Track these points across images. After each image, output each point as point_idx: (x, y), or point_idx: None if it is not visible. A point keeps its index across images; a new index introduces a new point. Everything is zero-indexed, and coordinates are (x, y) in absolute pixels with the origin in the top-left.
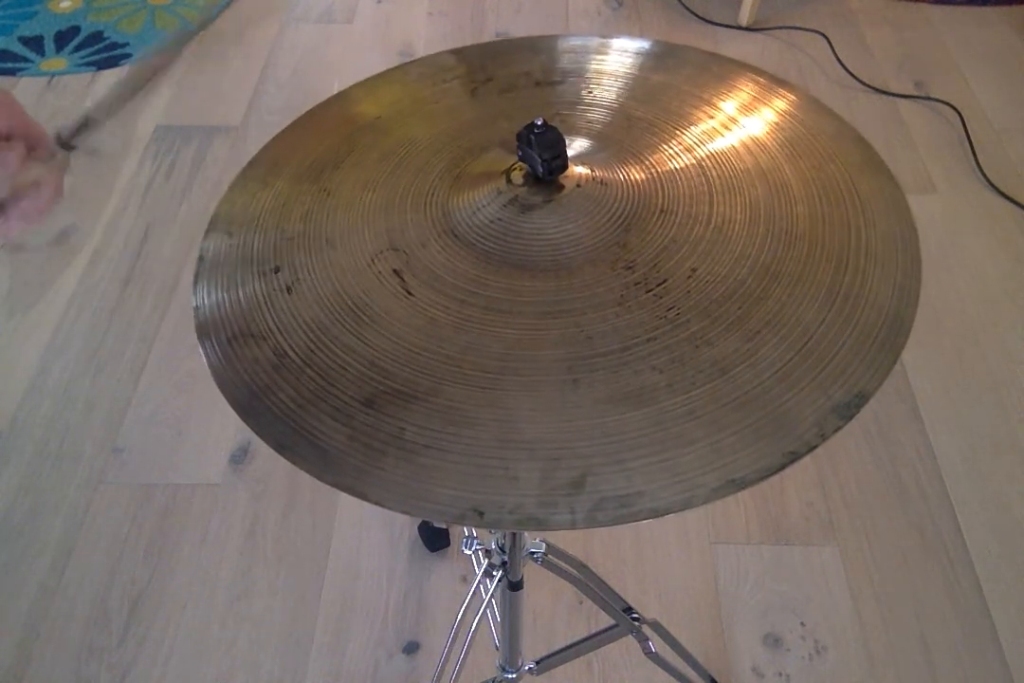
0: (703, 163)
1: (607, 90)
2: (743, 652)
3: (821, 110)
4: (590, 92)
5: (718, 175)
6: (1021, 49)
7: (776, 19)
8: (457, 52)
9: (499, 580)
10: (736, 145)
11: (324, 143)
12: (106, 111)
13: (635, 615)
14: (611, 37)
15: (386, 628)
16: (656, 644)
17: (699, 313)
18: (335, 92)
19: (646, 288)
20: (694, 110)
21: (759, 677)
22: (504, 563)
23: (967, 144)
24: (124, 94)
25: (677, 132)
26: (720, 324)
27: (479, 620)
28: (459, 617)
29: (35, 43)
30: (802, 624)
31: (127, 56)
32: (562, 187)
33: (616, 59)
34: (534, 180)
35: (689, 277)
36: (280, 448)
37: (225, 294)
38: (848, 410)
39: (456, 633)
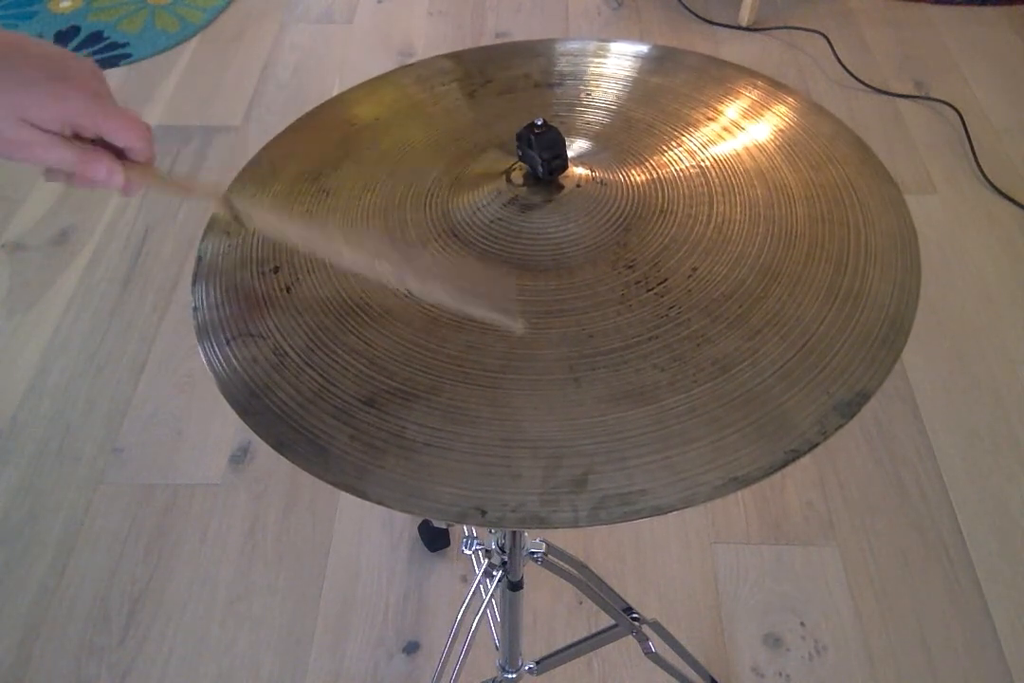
0: (702, 164)
1: (606, 92)
2: (743, 652)
3: (819, 112)
4: (589, 94)
5: (717, 176)
6: (1021, 49)
7: (776, 19)
8: (455, 55)
9: (499, 580)
10: (735, 146)
11: (323, 144)
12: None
13: (635, 615)
14: (609, 40)
15: (386, 628)
16: (656, 644)
17: (700, 312)
18: (335, 92)
19: (647, 287)
20: (693, 112)
21: (759, 677)
22: (504, 563)
23: (967, 144)
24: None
25: (676, 134)
26: (721, 323)
27: (479, 620)
28: (459, 617)
29: None
30: (802, 624)
31: (127, 56)
32: (562, 187)
33: (614, 62)
34: (534, 180)
35: (690, 276)
36: (280, 447)
37: (224, 294)
38: (849, 408)
39: (456, 633)
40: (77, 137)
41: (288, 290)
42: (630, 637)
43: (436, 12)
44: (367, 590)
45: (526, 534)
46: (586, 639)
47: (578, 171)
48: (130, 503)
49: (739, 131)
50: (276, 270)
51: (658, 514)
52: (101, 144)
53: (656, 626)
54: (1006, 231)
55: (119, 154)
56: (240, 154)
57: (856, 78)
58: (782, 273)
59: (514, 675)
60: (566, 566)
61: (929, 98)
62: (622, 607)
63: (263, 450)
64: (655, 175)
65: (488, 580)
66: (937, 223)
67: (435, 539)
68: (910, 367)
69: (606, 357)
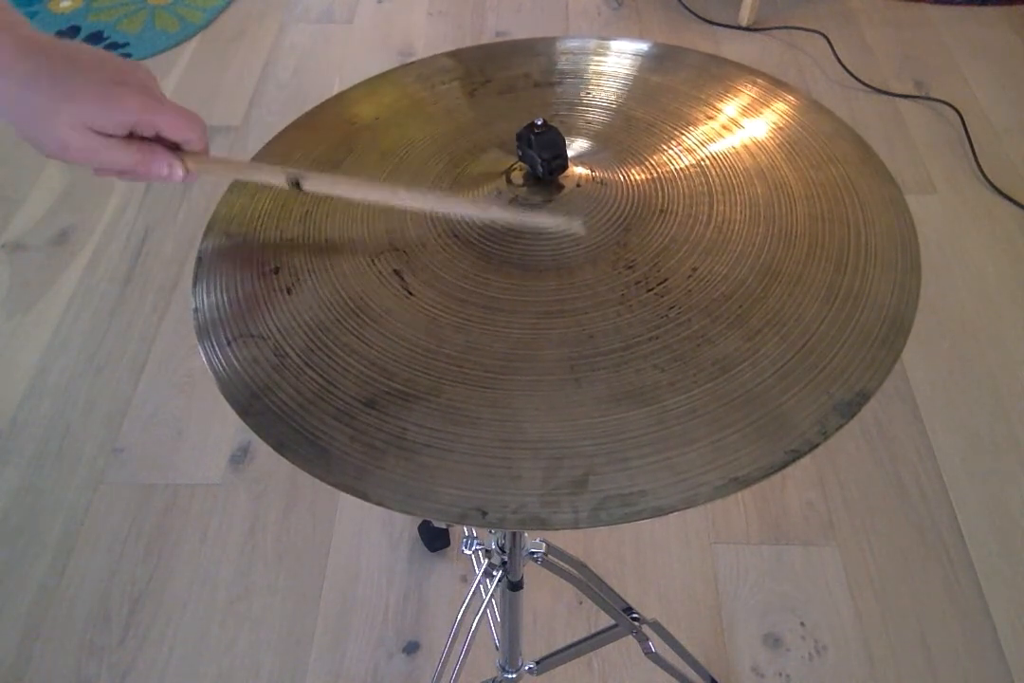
0: (702, 163)
1: (606, 91)
2: (743, 652)
3: (819, 111)
4: (589, 93)
5: (718, 175)
6: (1021, 49)
7: (776, 19)
8: (455, 54)
9: (499, 580)
10: (735, 145)
11: (323, 144)
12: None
13: (635, 615)
14: (609, 39)
15: (386, 628)
16: (656, 644)
17: (700, 312)
18: (335, 92)
19: (647, 287)
20: (693, 111)
21: (759, 677)
22: (504, 563)
23: (967, 144)
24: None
25: (676, 133)
26: (721, 323)
27: (479, 620)
28: (459, 617)
29: None
30: (802, 624)
31: (127, 56)
32: (562, 187)
33: (614, 60)
34: (534, 180)
35: (690, 276)
36: (280, 448)
37: (224, 295)
38: (849, 409)
39: (456, 633)
40: (132, 135)
41: (288, 291)
42: (630, 637)
43: (436, 12)
44: (367, 590)
45: (526, 534)
46: (586, 639)
47: (578, 171)
48: (130, 503)
49: (739, 130)
50: (276, 271)
51: (659, 515)
52: (158, 140)
53: (656, 626)
54: (1006, 231)
55: (176, 147)
56: (240, 154)
57: (856, 78)
58: (782, 273)
59: (514, 675)
60: (566, 566)
61: (929, 98)
62: (622, 607)
63: (263, 450)
64: (655, 175)
65: (488, 580)
66: (937, 223)
67: (435, 539)
68: (910, 367)
69: (606, 357)
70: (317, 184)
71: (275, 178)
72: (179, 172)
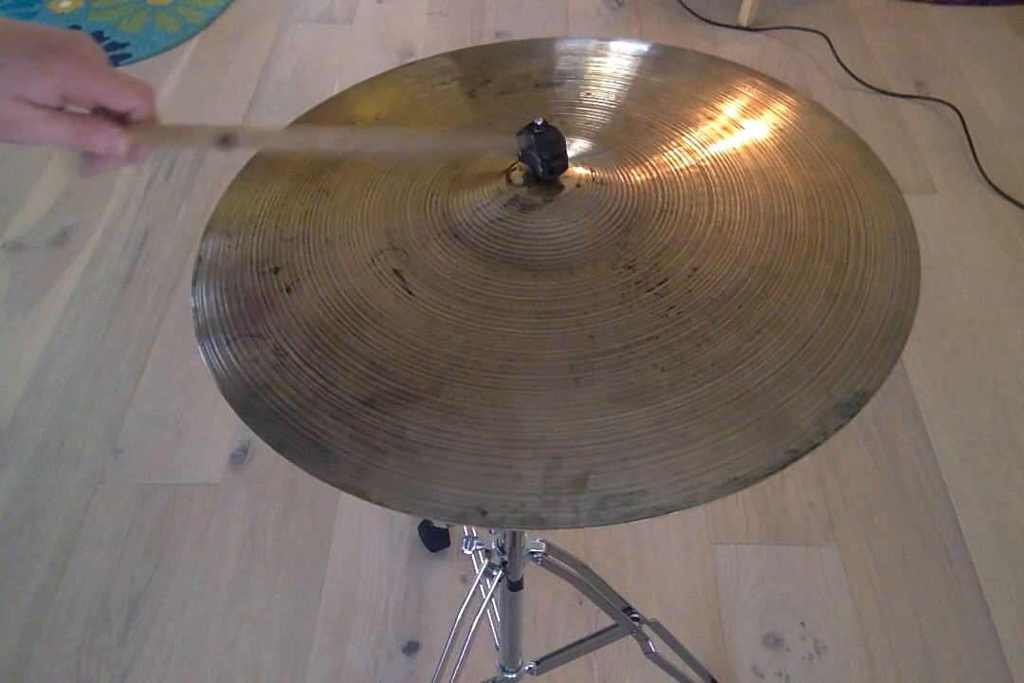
0: (702, 164)
1: (606, 92)
2: (743, 652)
3: (819, 112)
4: (589, 94)
5: (717, 176)
6: (1021, 49)
7: (776, 19)
8: (455, 54)
9: (499, 580)
10: (735, 146)
11: None
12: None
13: (635, 615)
14: (609, 39)
15: (386, 628)
16: (656, 644)
17: (700, 312)
18: (335, 92)
19: (647, 287)
20: (693, 112)
21: (759, 677)
22: (504, 563)
23: (967, 144)
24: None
25: (676, 133)
26: (721, 323)
27: (479, 620)
28: (459, 617)
29: None
30: (802, 624)
31: (127, 56)
32: (562, 187)
33: (614, 61)
34: (534, 180)
35: (690, 276)
36: (280, 448)
37: (224, 295)
38: (849, 409)
39: (456, 633)
40: (75, 108)
41: (288, 290)
42: (630, 637)
43: (436, 12)
44: (367, 590)
45: (526, 534)
46: (586, 639)
47: (578, 171)
48: (130, 503)
49: (739, 130)
50: (276, 270)
51: (658, 514)
52: (103, 112)
53: (656, 626)
54: (1006, 231)
55: (122, 119)
56: (240, 153)
57: (856, 78)
58: (782, 273)
59: (514, 675)
60: (566, 566)
61: (929, 98)
62: (622, 607)
63: (263, 450)
64: (655, 175)
65: (488, 580)
66: (937, 223)
67: (435, 539)
68: (910, 367)
69: (606, 357)
70: (250, 139)
71: (208, 137)
72: (120, 145)
